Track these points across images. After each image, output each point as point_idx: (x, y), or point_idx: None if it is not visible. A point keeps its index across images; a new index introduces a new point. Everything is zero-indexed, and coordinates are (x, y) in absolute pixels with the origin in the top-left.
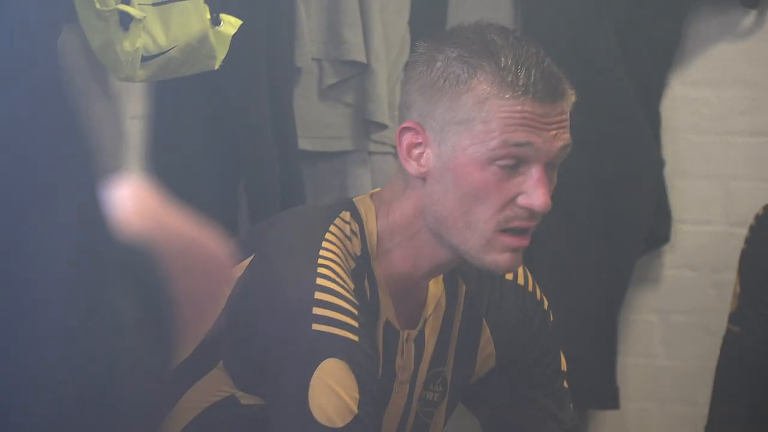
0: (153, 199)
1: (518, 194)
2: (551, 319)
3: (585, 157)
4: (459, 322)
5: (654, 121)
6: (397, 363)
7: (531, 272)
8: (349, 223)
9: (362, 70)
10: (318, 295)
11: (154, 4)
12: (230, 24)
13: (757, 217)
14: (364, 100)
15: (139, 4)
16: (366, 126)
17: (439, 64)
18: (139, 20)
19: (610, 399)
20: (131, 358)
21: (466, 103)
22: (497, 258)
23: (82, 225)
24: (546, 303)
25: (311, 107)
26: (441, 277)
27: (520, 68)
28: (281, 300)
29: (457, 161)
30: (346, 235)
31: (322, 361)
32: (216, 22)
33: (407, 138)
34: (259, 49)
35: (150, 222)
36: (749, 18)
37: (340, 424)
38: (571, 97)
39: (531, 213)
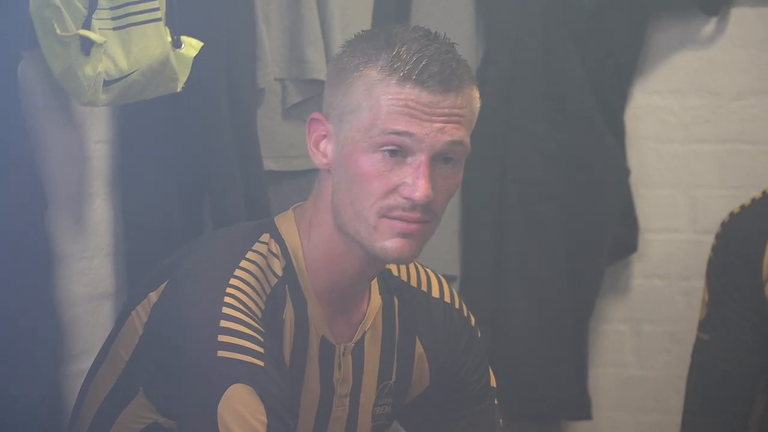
0: None
1: (401, 184)
2: (479, 335)
3: (551, 168)
4: (398, 337)
5: (618, 131)
6: (335, 377)
7: (500, 284)
8: (267, 244)
9: None
10: (223, 323)
11: (114, 29)
12: (191, 46)
13: (723, 225)
14: None
15: (99, 29)
16: None
17: (344, 57)
18: (100, 45)
19: (583, 409)
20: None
21: (357, 90)
22: (386, 244)
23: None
24: (473, 320)
25: (275, 127)
26: (378, 290)
27: (412, 56)
28: (187, 328)
29: (347, 150)
30: (264, 259)
31: (228, 386)
32: (177, 44)
33: (315, 130)
34: (221, 71)
35: None
36: (710, 26)
37: None
38: (471, 93)
39: (413, 204)
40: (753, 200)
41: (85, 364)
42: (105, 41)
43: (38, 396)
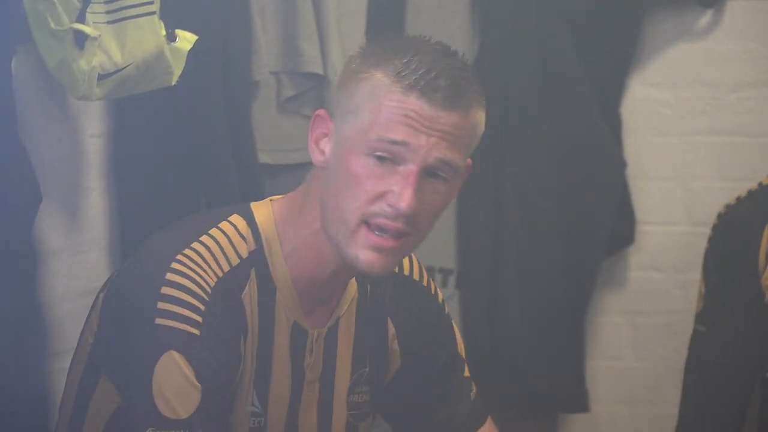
0: None
1: (388, 191)
2: (447, 311)
3: (547, 161)
4: (371, 321)
5: (615, 123)
6: (306, 362)
7: (497, 277)
8: (235, 225)
9: (320, 82)
10: (165, 290)
11: (108, 22)
12: (186, 40)
13: (720, 217)
14: None
15: (93, 23)
16: None
17: (357, 58)
18: (95, 38)
19: (580, 402)
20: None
21: (361, 92)
22: (359, 253)
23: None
24: (441, 296)
25: (270, 120)
26: (355, 276)
27: (421, 66)
28: (131, 292)
29: (344, 150)
30: (227, 238)
31: (163, 353)
32: (172, 38)
33: (318, 127)
34: (216, 64)
35: None
36: (706, 18)
37: (184, 415)
38: (476, 116)
39: (396, 213)
40: (749, 191)
41: None
42: (99, 35)
43: (26, 391)
